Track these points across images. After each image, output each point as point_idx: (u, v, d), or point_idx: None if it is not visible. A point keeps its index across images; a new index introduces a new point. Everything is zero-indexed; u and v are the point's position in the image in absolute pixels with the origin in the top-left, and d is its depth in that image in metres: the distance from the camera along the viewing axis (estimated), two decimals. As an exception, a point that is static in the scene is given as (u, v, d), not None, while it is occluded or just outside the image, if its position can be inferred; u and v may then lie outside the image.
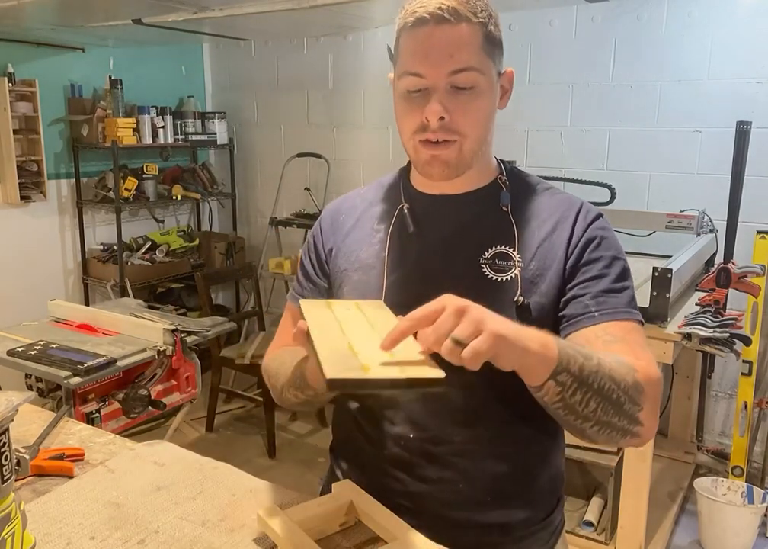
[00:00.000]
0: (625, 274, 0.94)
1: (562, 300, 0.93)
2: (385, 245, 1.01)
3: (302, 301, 0.90)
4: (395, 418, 0.98)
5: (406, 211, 1.01)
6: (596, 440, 0.86)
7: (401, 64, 0.91)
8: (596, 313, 0.90)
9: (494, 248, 0.95)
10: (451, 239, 0.98)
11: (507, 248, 0.95)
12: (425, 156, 0.93)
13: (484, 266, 0.94)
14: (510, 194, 0.99)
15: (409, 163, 1.05)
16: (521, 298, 0.92)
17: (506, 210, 0.97)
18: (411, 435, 0.97)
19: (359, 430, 1.04)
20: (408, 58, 0.89)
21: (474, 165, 0.95)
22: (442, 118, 0.88)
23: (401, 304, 0.96)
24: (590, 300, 0.91)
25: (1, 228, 3.41)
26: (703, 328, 2.04)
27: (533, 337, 0.76)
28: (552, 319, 0.94)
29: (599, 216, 0.98)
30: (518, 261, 0.94)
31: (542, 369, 0.76)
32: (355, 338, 0.76)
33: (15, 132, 3.27)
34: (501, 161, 1.03)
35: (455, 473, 0.97)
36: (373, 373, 0.68)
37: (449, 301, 0.72)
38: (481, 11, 0.88)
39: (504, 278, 0.93)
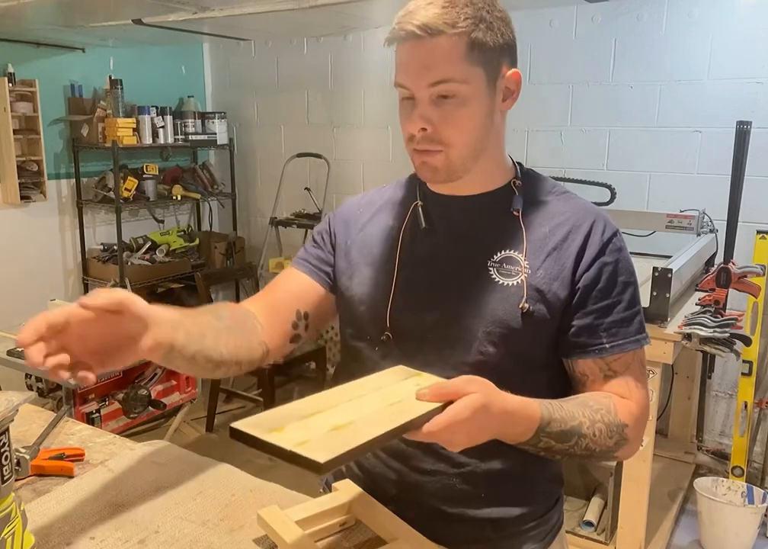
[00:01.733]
0: (636, 298, 0.96)
1: (575, 323, 0.94)
2: (397, 242, 1.02)
3: (400, 367, 0.90)
4: None
5: (420, 209, 1.02)
6: None
7: (395, 74, 0.94)
8: (607, 345, 0.93)
9: (502, 251, 0.96)
10: (461, 240, 0.99)
11: (515, 252, 0.95)
12: (417, 162, 0.96)
13: (491, 269, 0.95)
14: (522, 199, 0.98)
15: None
16: (526, 305, 0.92)
17: (517, 214, 0.97)
18: None
19: None
20: (397, 70, 0.92)
21: (471, 169, 0.95)
22: (424, 129, 0.90)
23: (406, 302, 0.98)
24: (604, 331, 0.93)
25: (1, 228, 3.41)
26: (703, 328, 2.04)
27: (510, 433, 0.81)
28: (554, 329, 0.94)
29: (615, 233, 0.97)
30: (525, 266, 0.94)
31: (510, 442, 0.84)
32: (348, 405, 0.77)
33: (15, 132, 3.27)
34: (519, 164, 1.03)
35: (449, 466, 0.98)
36: (273, 437, 0.68)
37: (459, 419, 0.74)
38: (465, 19, 0.87)
39: (511, 283, 0.94)
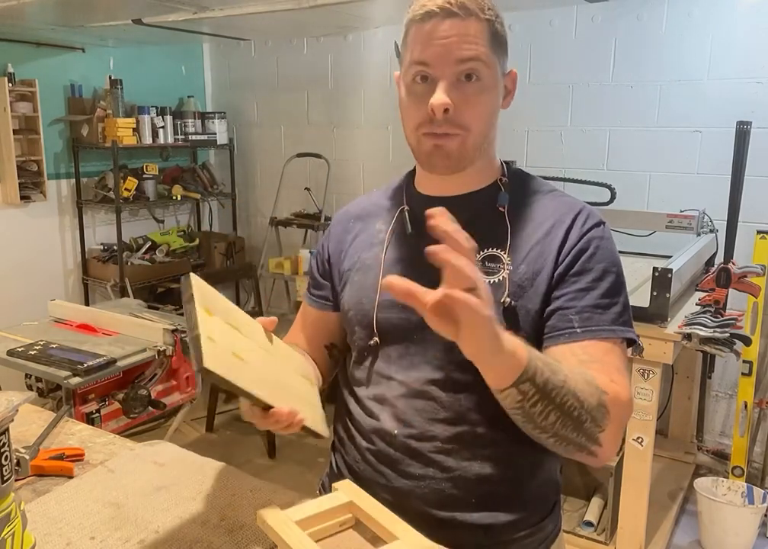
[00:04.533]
0: (615, 288, 0.93)
1: (548, 308, 0.93)
2: (383, 246, 1.03)
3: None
4: (381, 414, 1.00)
5: (406, 213, 1.03)
6: (551, 449, 0.87)
7: (408, 55, 0.92)
8: (578, 329, 0.90)
9: (485, 250, 0.95)
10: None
11: (497, 250, 0.95)
12: (427, 147, 0.93)
13: None
14: (509, 196, 0.98)
15: (416, 166, 1.06)
16: (508, 300, 0.92)
17: (502, 211, 0.97)
18: (396, 431, 0.98)
19: (352, 424, 1.06)
20: (416, 48, 0.90)
21: (476, 161, 0.96)
22: (446, 111, 0.88)
23: (393, 303, 0.98)
24: (575, 314, 0.90)
25: (1, 228, 3.41)
26: (703, 328, 2.04)
27: (507, 337, 0.73)
28: (536, 326, 0.93)
29: (598, 223, 0.96)
30: (507, 263, 0.94)
31: (508, 373, 0.75)
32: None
33: (15, 132, 3.27)
34: (505, 162, 1.04)
35: (438, 471, 0.97)
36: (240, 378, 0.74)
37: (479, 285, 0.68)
38: (488, 8, 0.90)
39: (493, 280, 0.93)
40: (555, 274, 0.93)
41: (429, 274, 0.96)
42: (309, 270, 1.16)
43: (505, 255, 0.94)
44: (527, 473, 1.00)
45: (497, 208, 0.98)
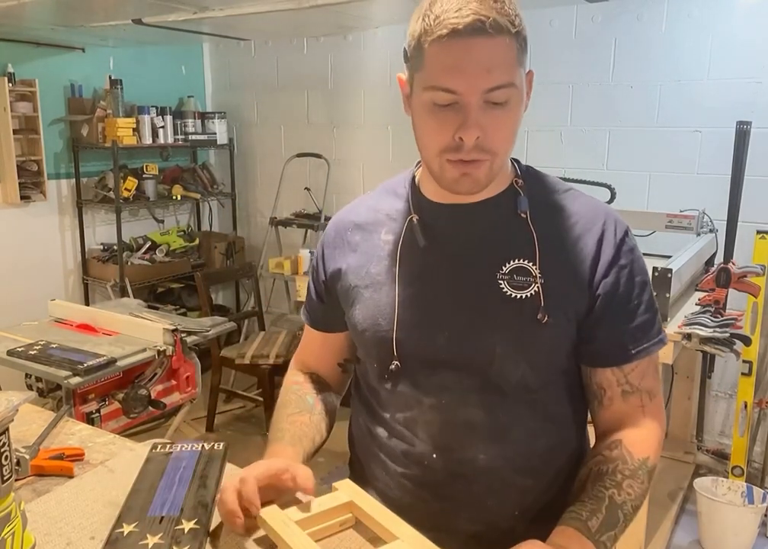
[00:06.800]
0: (653, 296, 0.93)
1: (599, 334, 0.90)
2: (395, 260, 0.95)
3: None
4: (414, 438, 0.96)
5: (416, 223, 0.94)
6: None
7: (427, 76, 0.82)
8: (632, 351, 0.90)
9: (512, 261, 0.90)
10: (466, 252, 0.92)
11: (526, 262, 0.89)
12: (453, 175, 0.85)
13: (502, 282, 0.89)
14: (527, 199, 0.92)
15: (417, 165, 1.00)
16: (546, 317, 0.87)
17: (524, 216, 0.91)
18: (435, 455, 0.95)
19: (378, 448, 1.02)
20: (440, 72, 0.80)
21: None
22: (477, 138, 0.82)
23: (413, 323, 0.93)
24: (628, 336, 0.90)
25: (1, 228, 3.41)
26: (703, 328, 2.04)
27: None
28: (572, 336, 0.91)
29: (627, 232, 0.93)
30: (538, 276, 0.88)
31: None
32: None
33: (15, 132, 3.27)
34: (516, 161, 0.97)
35: (481, 490, 0.94)
36: None
37: None
38: (515, 15, 0.80)
39: (524, 295, 0.88)
40: (599, 293, 0.89)
41: (445, 288, 0.92)
42: (310, 281, 1.09)
43: (534, 267, 0.89)
44: (564, 480, 0.98)
45: (518, 214, 0.91)
